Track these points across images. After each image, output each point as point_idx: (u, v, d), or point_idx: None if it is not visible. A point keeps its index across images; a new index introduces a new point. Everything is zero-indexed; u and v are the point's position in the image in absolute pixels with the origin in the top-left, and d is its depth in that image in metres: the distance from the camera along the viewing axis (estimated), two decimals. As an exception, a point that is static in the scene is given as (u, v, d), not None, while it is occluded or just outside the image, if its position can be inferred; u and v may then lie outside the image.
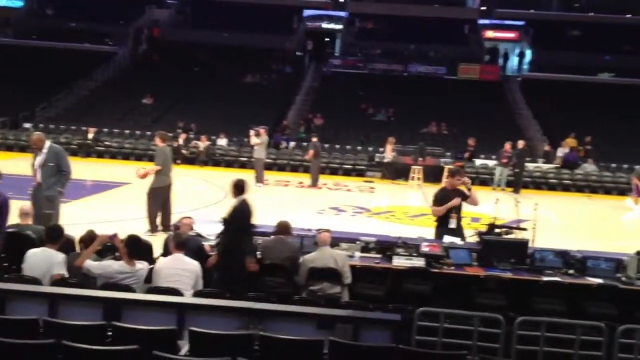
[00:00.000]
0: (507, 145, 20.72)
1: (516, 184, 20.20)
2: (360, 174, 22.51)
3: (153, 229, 11.17)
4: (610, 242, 12.00)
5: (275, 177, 20.31)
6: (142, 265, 6.51)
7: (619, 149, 24.37)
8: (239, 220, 7.54)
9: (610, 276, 7.82)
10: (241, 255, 7.40)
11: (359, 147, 24.56)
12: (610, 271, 7.89)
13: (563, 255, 8.10)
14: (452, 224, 8.88)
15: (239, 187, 7.73)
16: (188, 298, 6.17)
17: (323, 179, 20.23)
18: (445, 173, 20.99)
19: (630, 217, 17.10)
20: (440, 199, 8.94)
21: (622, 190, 20.92)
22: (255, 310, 5.41)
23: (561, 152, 23.61)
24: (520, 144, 20.75)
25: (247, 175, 18.71)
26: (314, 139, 19.76)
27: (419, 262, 7.85)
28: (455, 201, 8.80)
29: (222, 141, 24.38)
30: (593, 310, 7.27)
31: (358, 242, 8.27)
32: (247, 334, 4.96)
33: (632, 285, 7.63)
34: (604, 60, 31.66)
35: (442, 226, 8.92)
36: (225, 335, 4.91)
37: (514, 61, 34.41)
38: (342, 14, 36.67)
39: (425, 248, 8.03)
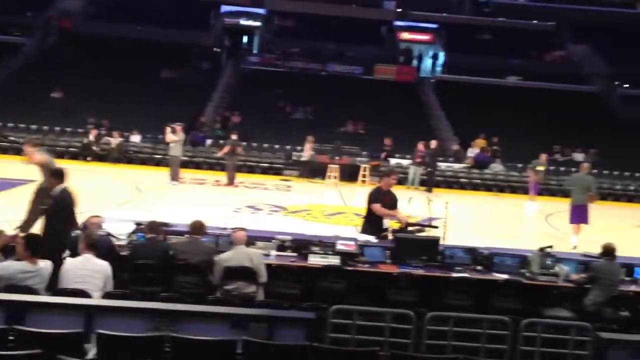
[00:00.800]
0: (421, 145, 21.22)
1: (429, 183, 20.72)
2: (277, 172, 22.48)
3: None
4: (515, 239, 12.50)
5: (191, 175, 20.02)
6: (44, 264, 6.26)
7: (524, 149, 25.38)
8: (60, 210, 7.39)
9: (515, 272, 8.15)
10: (60, 248, 7.10)
11: (277, 146, 24.53)
12: (515, 267, 8.23)
13: (472, 252, 8.38)
14: (386, 224, 9.14)
15: (58, 176, 7.60)
16: (96, 300, 6.00)
17: (240, 177, 20.09)
18: (362, 172, 21.38)
19: (531, 214, 17.78)
20: (375, 198, 9.17)
21: (528, 190, 21.77)
22: (166, 311, 5.31)
23: (471, 152, 24.38)
24: (433, 143, 21.29)
25: (163, 173, 18.48)
26: (234, 136, 19.60)
27: (335, 260, 7.93)
28: (403, 219, 9.17)
29: (136, 138, 23.80)
30: (499, 305, 7.56)
31: (274, 241, 8.27)
32: (158, 335, 4.86)
33: (535, 280, 7.98)
34: (512, 64, 32.90)
35: (372, 223, 9.11)
36: (134, 337, 4.79)
37: (428, 63, 35.27)
38: (261, 11, 36.52)
39: (340, 246, 8.11)
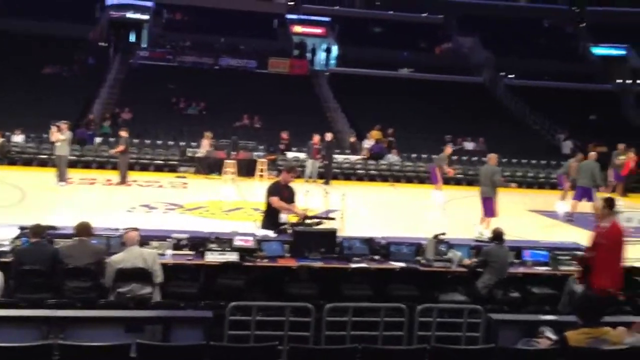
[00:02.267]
0: (316, 138, 21.35)
1: (326, 175, 20.89)
2: (172, 169, 21.97)
3: None
4: (411, 228, 12.80)
5: (81, 175, 19.19)
6: None
7: (418, 139, 26.14)
8: None
9: (411, 260, 8.32)
10: None
11: (171, 142, 23.96)
12: (411, 255, 8.40)
13: (369, 242, 8.48)
14: (283, 219, 9.11)
15: None
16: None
17: (133, 175, 19.48)
18: (259, 166, 21.24)
19: (437, 203, 18.21)
20: (273, 192, 9.17)
21: (422, 179, 22.45)
22: (55, 319, 5.03)
23: (367, 143, 24.80)
24: (328, 136, 21.47)
25: (49, 174, 17.60)
26: (124, 134, 18.87)
27: (233, 257, 7.81)
28: (301, 213, 9.17)
29: (19, 137, 22.56)
30: (397, 293, 7.71)
31: (169, 240, 8.04)
32: (45, 344, 4.59)
33: (430, 267, 8.19)
34: (403, 56, 33.72)
35: (271, 218, 9.07)
36: (18, 347, 4.50)
37: (321, 56, 35.55)
38: (149, 3, 35.53)
39: (238, 242, 8.00)
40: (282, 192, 9.22)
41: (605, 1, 37.03)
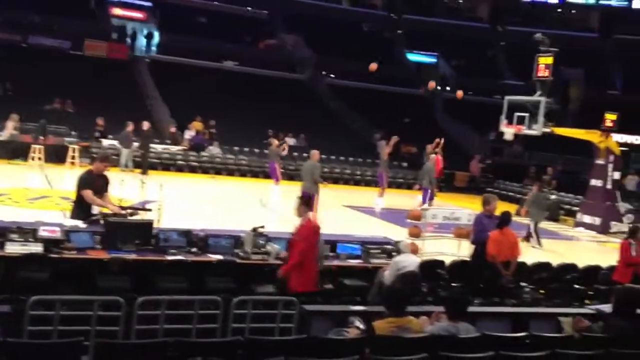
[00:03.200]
0: (130, 127, 20.60)
1: (143, 165, 20.22)
2: (-31, 153, 20.10)
3: None
4: (231, 220, 12.75)
5: None
6: None
7: (240, 132, 26.15)
8: None
9: (229, 252, 8.29)
10: None
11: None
12: (229, 247, 8.36)
13: (187, 234, 8.31)
14: (95, 209, 8.67)
15: None
16: None
17: None
18: (70, 153, 20.04)
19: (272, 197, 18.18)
20: (85, 182, 8.67)
21: (244, 172, 22.53)
22: None
23: (188, 134, 24.37)
24: (145, 125, 20.79)
25: None
26: None
27: (36, 248, 7.30)
28: (115, 208, 8.66)
29: None
30: (214, 285, 7.63)
31: (-38, 229, 7.32)
32: None
33: (247, 260, 8.20)
34: (228, 48, 33.52)
35: (82, 208, 8.60)
36: None
37: (142, 42, 34.28)
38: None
39: (43, 232, 7.47)
40: (95, 182, 8.72)
41: (420, 10, 39.44)
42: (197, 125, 24.96)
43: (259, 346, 5.02)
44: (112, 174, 9.37)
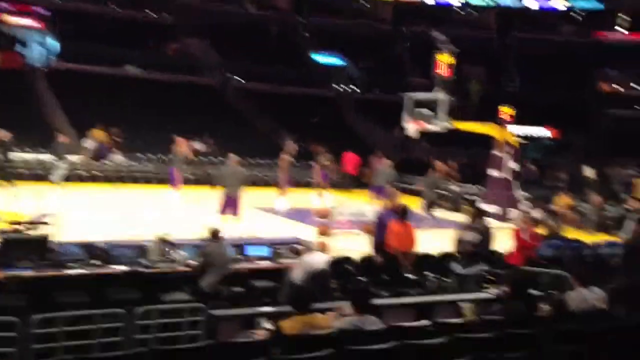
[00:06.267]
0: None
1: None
2: None
3: None
4: (137, 229, 12.40)
5: None
6: None
7: (145, 139, 25.50)
8: None
9: (134, 262, 8.08)
10: None
11: None
12: (134, 257, 8.16)
13: (88, 247, 8.08)
14: None
15: None
16: None
17: None
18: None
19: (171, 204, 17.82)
20: None
21: (149, 179, 22.02)
22: None
23: (89, 143, 23.49)
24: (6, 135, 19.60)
25: None
26: None
27: None
28: None
29: None
30: (118, 297, 7.40)
31: None
32: None
33: (154, 268, 8.03)
34: (131, 54, 32.63)
35: None
36: None
37: (38, 50, 32.83)
38: None
39: None
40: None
41: (327, 13, 39.73)
42: (97, 133, 24.03)
43: (163, 356, 4.90)
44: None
